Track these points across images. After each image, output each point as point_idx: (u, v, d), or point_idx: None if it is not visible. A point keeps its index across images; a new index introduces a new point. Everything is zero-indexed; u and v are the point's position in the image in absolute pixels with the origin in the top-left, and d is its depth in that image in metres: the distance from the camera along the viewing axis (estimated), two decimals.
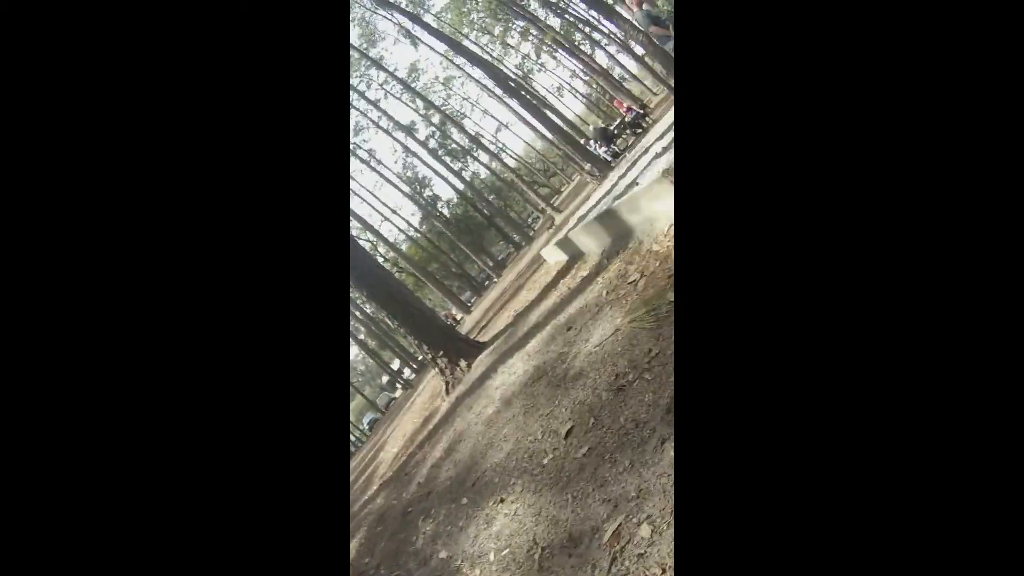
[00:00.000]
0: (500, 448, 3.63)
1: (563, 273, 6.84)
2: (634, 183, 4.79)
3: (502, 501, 2.90)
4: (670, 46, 7.55)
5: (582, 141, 17.37)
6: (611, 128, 17.05)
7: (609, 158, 15.04)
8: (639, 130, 15.62)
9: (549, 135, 22.38)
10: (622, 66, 35.88)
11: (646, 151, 6.54)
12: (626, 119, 17.03)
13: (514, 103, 23.19)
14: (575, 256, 6.67)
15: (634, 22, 9.45)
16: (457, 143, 35.37)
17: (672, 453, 1.96)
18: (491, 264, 31.03)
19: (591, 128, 18.60)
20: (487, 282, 31.04)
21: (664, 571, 1.61)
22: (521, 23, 28.03)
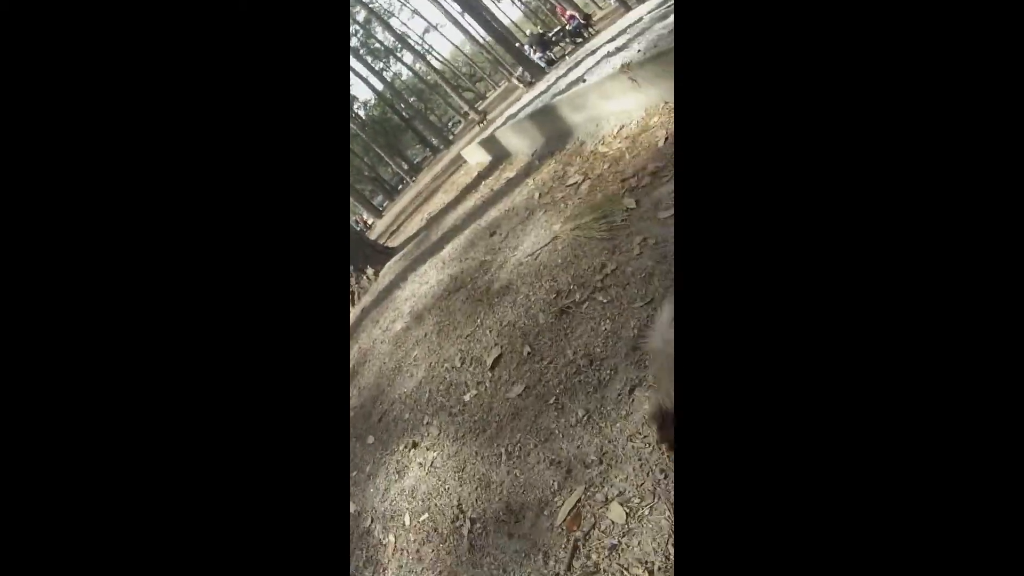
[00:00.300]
0: (410, 374, 3.11)
1: (486, 175, 6.20)
2: (580, 80, 4.16)
3: (415, 446, 2.39)
4: None
5: (517, 45, 16.45)
6: (549, 35, 16.21)
7: (544, 64, 14.35)
8: (579, 39, 14.93)
9: (481, 38, 20.93)
10: None
11: (593, 52, 5.78)
12: (567, 27, 16.18)
13: (447, 2, 21.37)
14: (501, 157, 6.03)
15: None
16: (380, 42, 32.93)
17: (648, 407, 1.48)
18: (406, 167, 29.76)
19: (527, 33, 17.55)
20: (400, 186, 29.86)
21: (651, 573, 1.16)
22: None
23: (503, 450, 1.84)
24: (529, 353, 2.19)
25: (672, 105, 3.07)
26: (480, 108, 20.99)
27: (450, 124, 36.57)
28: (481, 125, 15.18)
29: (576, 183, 3.23)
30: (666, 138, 2.81)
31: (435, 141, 29.53)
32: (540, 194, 3.63)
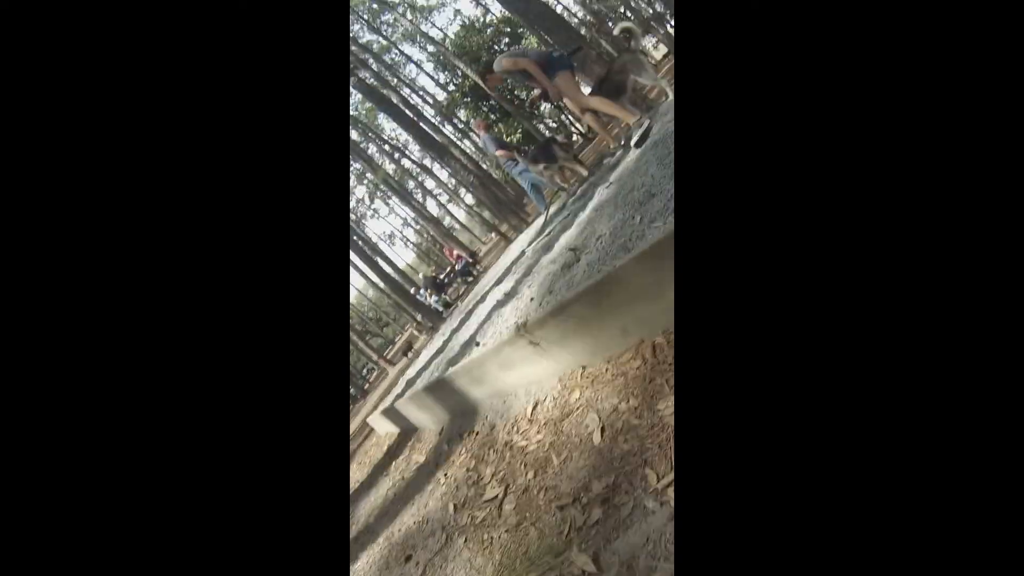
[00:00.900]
0: None
1: (395, 451, 5.26)
2: (473, 343, 3.51)
3: None
4: (516, 171, 6.99)
5: (412, 290, 16.55)
6: (441, 277, 16.46)
7: (440, 308, 14.29)
8: (470, 278, 15.16)
9: (381, 284, 21.19)
10: (452, 215, 36.59)
11: (482, 300, 5.27)
12: (456, 267, 16.51)
13: None
14: (408, 430, 5.18)
15: (482, 145, 9.55)
16: None
17: None
18: None
19: (421, 276, 17.85)
20: None
21: None
22: (357, 165, 27.43)
23: None
24: None
25: (593, 373, 2.41)
26: (388, 356, 20.53)
27: (364, 372, 35.87)
28: (408, 356, 14.55)
29: (496, 497, 2.39)
30: (602, 430, 2.07)
31: (352, 391, 28.63)
32: (455, 506, 2.75)
